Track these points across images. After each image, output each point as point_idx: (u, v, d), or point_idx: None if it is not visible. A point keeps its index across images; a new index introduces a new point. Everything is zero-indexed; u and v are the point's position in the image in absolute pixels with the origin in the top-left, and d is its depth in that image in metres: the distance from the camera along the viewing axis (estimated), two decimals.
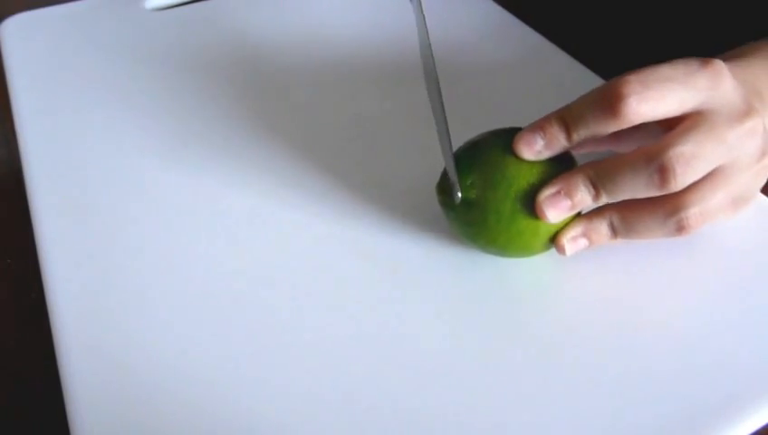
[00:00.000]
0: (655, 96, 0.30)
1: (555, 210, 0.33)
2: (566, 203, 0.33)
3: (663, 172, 0.30)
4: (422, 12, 0.38)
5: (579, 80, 0.51)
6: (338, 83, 0.51)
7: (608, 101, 0.30)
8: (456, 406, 0.31)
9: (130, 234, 0.39)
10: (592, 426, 0.31)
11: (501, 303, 0.36)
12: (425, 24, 0.37)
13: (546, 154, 0.33)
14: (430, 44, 0.37)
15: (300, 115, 0.48)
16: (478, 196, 0.34)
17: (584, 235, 0.34)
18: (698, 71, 0.31)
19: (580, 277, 0.36)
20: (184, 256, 0.38)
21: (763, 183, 0.35)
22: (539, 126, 0.33)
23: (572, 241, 0.34)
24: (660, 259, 0.37)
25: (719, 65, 0.31)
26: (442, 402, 0.31)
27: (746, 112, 0.32)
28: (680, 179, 0.30)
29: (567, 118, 0.32)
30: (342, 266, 0.37)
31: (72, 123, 0.47)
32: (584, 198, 0.33)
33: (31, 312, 0.38)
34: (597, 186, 0.32)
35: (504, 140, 0.34)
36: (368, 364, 0.33)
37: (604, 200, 0.33)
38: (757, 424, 0.31)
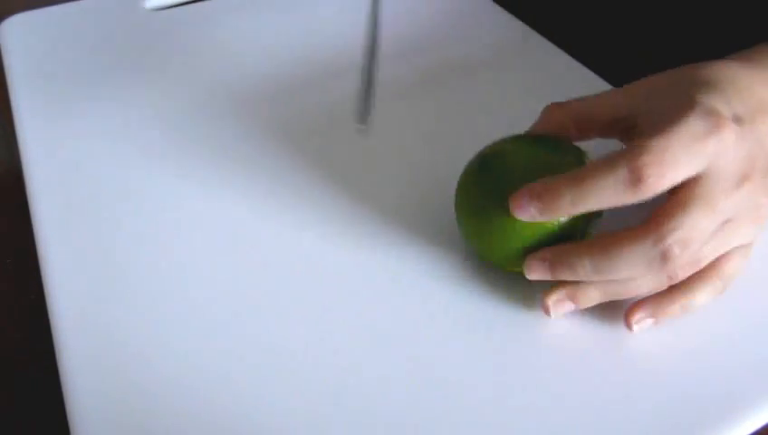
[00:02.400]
0: (671, 171, 0.30)
1: (537, 276, 0.34)
2: (548, 275, 0.33)
3: (664, 257, 0.31)
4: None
5: (578, 79, 0.51)
6: (341, 86, 0.51)
7: (629, 183, 0.30)
8: (458, 410, 0.31)
9: (130, 233, 0.39)
10: (593, 424, 0.31)
11: (503, 308, 0.36)
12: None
13: (545, 219, 0.32)
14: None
15: (301, 117, 0.48)
16: (490, 212, 0.34)
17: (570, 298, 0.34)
18: (709, 135, 0.30)
19: None
20: (184, 256, 0.38)
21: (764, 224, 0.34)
22: (542, 191, 0.32)
23: (558, 303, 0.34)
24: None
25: (729, 129, 0.31)
26: (446, 407, 0.31)
27: (743, 178, 0.31)
28: (680, 260, 0.31)
29: (579, 189, 0.31)
30: (345, 273, 0.37)
31: (71, 123, 0.47)
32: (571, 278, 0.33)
33: (31, 312, 0.38)
34: (592, 272, 0.32)
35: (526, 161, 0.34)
36: (370, 369, 0.33)
37: (597, 279, 0.33)
38: (756, 424, 0.31)
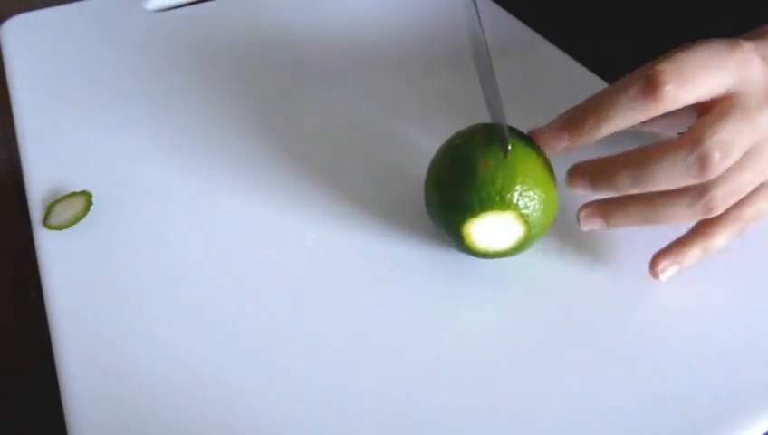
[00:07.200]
0: (692, 81, 0.30)
1: (580, 189, 0.33)
2: (589, 188, 0.33)
3: (703, 160, 0.30)
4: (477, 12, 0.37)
5: (576, 78, 0.51)
6: (339, 87, 0.51)
7: (645, 89, 0.30)
8: (452, 408, 0.31)
9: (130, 234, 0.39)
10: (593, 425, 0.31)
11: (496, 303, 0.36)
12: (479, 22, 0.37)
13: (574, 149, 0.33)
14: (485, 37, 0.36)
15: (303, 117, 0.48)
16: (452, 190, 0.34)
17: (602, 213, 0.34)
18: (729, 54, 0.30)
19: (570, 280, 0.36)
20: (183, 259, 0.38)
21: None
22: (566, 122, 0.32)
23: (588, 217, 0.34)
24: None
25: (748, 47, 0.31)
26: (440, 404, 0.31)
27: None
28: (720, 166, 0.30)
29: (599, 108, 0.31)
30: (343, 272, 0.37)
31: (72, 124, 0.47)
32: (624, 188, 0.32)
33: (31, 312, 0.38)
34: (630, 181, 0.32)
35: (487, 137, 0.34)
36: (366, 367, 0.33)
37: (636, 191, 0.32)
38: (760, 431, 0.31)
